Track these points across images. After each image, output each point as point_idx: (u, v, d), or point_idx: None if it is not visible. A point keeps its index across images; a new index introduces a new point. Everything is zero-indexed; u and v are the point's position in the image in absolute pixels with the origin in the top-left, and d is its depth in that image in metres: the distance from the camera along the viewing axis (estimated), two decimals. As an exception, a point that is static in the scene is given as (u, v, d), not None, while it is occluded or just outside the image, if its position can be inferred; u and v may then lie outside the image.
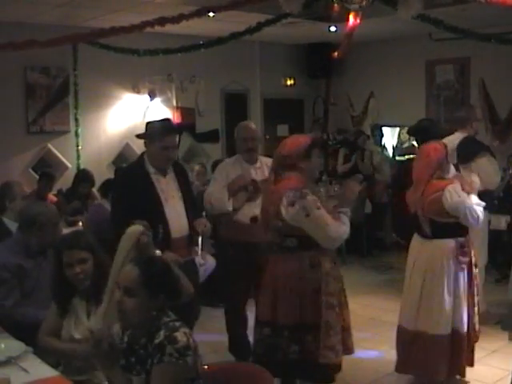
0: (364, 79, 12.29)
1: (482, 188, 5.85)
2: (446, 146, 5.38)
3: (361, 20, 6.86)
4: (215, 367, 3.54)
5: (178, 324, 3.13)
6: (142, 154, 5.19)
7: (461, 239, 5.24)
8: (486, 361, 6.03)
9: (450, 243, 5.20)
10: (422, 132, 6.86)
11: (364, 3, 6.18)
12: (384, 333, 6.63)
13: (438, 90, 11.45)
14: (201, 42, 8.44)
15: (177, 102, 10.98)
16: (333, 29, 9.99)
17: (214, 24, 8.72)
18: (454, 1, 7.79)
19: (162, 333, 3.06)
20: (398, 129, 11.81)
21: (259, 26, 7.65)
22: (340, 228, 4.46)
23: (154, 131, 5.05)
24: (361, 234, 10.33)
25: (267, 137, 12.63)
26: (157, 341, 3.05)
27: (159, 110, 10.91)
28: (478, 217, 5.12)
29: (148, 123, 5.17)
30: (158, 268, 3.24)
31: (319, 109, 13.23)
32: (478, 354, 5.65)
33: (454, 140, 6.90)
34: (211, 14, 7.11)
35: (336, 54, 8.34)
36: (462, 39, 9.21)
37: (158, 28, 7.15)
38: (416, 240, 5.47)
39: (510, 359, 5.95)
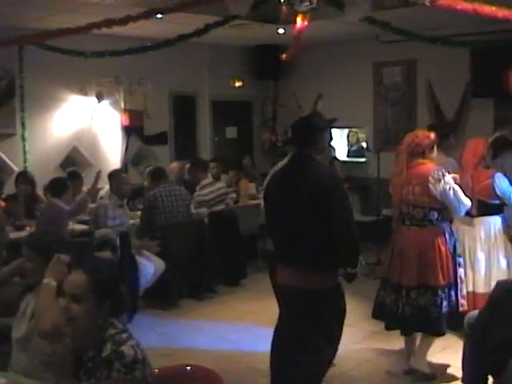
0: (312, 81, 12.34)
1: None
2: (488, 142, 6.68)
3: (309, 22, 6.90)
4: (166, 370, 3.51)
5: (124, 336, 3.07)
6: (309, 156, 4.48)
7: (502, 215, 6.42)
8: (438, 357, 6.11)
9: (499, 219, 6.39)
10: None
11: (312, 5, 6.20)
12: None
13: (385, 91, 11.56)
14: (148, 44, 8.40)
15: (125, 105, 10.91)
16: (281, 31, 10.01)
17: (161, 26, 8.68)
18: (400, 4, 7.87)
19: (108, 346, 3.01)
20: (346, 130, 11.83)
21: (207, 28, 7.64)
22: (467, 199, 5.57)
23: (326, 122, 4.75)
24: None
25: (216, 139, 12.63)
26: (104, 354, 2.99)
27: (107, 112, 10.84)
28: None
29: (315, 116, 4.77)
30: (106, 273, 3.21)
31: (268, 110, 13.26)
32: (431, 349, 5.89)
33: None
34: (159, 16, 7.08)
35: (284, 55, 8.38)
36: (408, 41, 9.32)
37: (105, 30, 7.10)
38: (458, 221, 6.38)
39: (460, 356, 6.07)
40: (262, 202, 10.05)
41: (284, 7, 6.48)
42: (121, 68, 10.35)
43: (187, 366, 3.58)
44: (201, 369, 3.56)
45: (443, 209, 5.56)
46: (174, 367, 3.66)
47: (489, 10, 6.26)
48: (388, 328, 5.95)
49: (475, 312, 5.23)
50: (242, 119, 13.16)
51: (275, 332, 4.75)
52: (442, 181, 5.43)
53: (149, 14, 6.90)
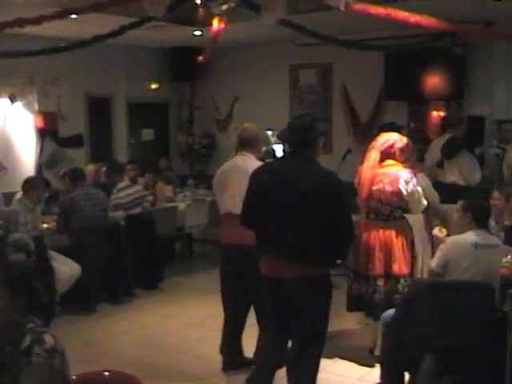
0: (229, 83, 12.37)
1: (464, 183, 7.83)
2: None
3: (225, 24, 6.91)
4: (84, 377, 3.46)
5: (43, 329, 3.07)
6: (309, 156, 4.79)
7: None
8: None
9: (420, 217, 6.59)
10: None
11: (228, 8, 6.22)
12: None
13: (301, 93, 11.67)
14: (63, 45, 8.26)
15: (39, 106, 10.71)
16: (197, 33, 10.01)
17: (76, 26, 8.57)
18: (316, 8, 7.95)
19: (28, 337, 2.98)
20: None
21: (123, 29, 7.55)
22: (425, 201, 6.09)
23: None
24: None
25: (132, 141, 12.52)
26: (23, 346, 2.96)
27: (20, 114, 10.62)
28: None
29: (317, 120, 4.96)
30: (16, 268, 3.24)
31: (184, 113, 13.23)
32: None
33: (442, 139, 8.39)
34: (73, 16, 6.97)
35: (201, 57, 8.38)
36: (324, 45, 9.41)
37: (17, 29, 6.95)
38: None
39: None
40: (178, 204, 10.21)
41: (201, 9, 6.48)
42: (34, 69, 10.15)
43: (106, 371, 3.54)
44: (120, 374, 3.53)
45: (407, 208, 6.06)
46: (92, 373, 3.61)
47: (402, 15, 6.38)
48: (368, 315, 6.24)
49: (391, 311, 5.34)
50: (159, 121, 13.10)
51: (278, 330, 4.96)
52: (411, 183, 5.93)
53: (63, 14, 6.79)
